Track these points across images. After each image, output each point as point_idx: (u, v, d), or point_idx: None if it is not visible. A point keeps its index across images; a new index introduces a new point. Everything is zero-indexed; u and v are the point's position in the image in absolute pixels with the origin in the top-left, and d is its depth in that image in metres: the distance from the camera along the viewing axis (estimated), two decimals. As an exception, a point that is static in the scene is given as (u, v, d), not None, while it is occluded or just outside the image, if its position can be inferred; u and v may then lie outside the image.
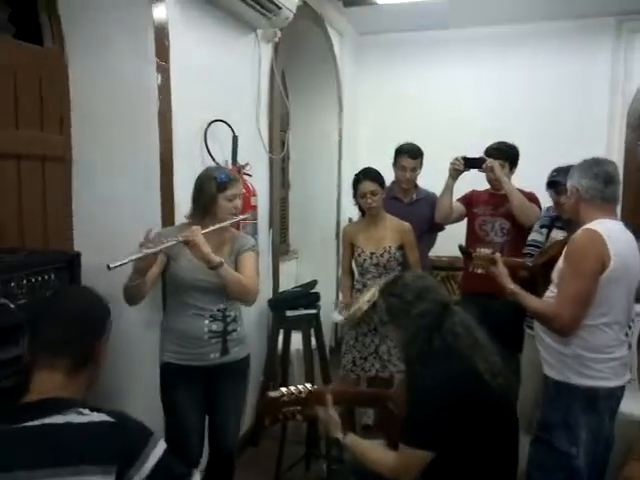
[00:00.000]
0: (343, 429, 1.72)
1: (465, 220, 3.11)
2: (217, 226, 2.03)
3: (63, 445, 1.00)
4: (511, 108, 4.40)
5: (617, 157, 4.34)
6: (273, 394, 1.67)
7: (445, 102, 4.61)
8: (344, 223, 4.14)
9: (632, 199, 4.38)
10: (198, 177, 2.13)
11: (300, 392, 1.67)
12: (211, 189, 2.05)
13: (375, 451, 1.72)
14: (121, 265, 1.72)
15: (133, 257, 1.78)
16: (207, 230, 1.96)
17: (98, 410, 1.07)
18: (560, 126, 4.28)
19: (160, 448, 1.05)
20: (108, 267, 1.69)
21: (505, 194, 2.88)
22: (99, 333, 1.19)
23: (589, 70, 4.35)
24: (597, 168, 1.97)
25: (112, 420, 1.05)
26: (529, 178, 2.95)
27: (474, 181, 3.11)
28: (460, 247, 2.39)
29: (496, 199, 2.98)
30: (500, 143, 3.00)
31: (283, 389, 1.67)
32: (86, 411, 1.06)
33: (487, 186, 3.05)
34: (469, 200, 3.09)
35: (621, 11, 4.20)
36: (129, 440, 1.03)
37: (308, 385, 1.71)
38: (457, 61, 4.63)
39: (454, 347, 1.64)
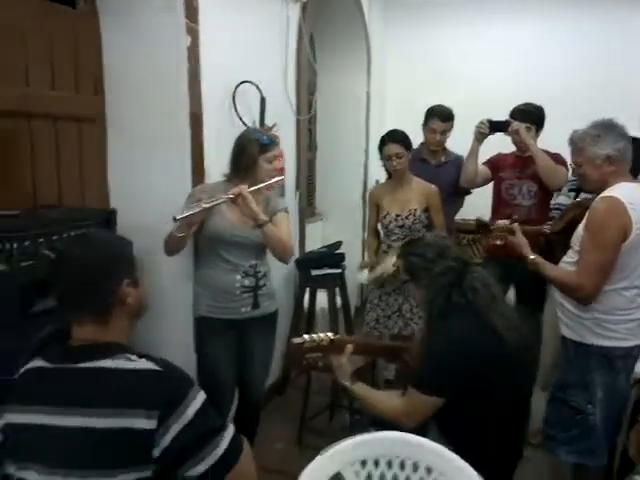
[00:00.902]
0: (352, 377, 1.78)
1: (491, 184, 3.09)
2: (261, 185, 2.09)
3: (114, 387, 1.06)
4: (541, 68, 4.30)
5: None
6: (296, 340, 1.75)
7: (476, 62, 4.52)
8: (371, 185, 4.15)
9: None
10: (238, 138, 2.18)
11: (322, 340, 1.74)
12: (253, 151, 2.11)
13: (381, 397, 1.79)
14: (186, 217, 1.90)
15: (195, 210, 1.92)
16: (253, 189, 2.02)
17: (146, 357, 1.12)
18: (590, 87, 4.15)
19: (200, 399, 1.10)
20: (174, 219, 1.87)
21: (531, 156, 2.84)
22: (118, 277, 1.15)
23: (628, 31, 4.19)
24: (619, 128, 1.93)
25: (158, 369, 1.10)
26: (557, 139, 2.90)
27: (501, 144, 3.07)
28: (477, 220, 2.39)
29: (522, 162, 2.93)
30: (526, 104, 2.92)
31: (306, 336, 1.74)
32: (134, 357, 1.11)
33: (514, 149, 3.02)
34: (495, 164, 3.05)
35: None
36: (172, 389, 1.08)
37: (330, 334, 1.77)
38: (488, 20, 4.51)
39: (472, 303, 1.68)
